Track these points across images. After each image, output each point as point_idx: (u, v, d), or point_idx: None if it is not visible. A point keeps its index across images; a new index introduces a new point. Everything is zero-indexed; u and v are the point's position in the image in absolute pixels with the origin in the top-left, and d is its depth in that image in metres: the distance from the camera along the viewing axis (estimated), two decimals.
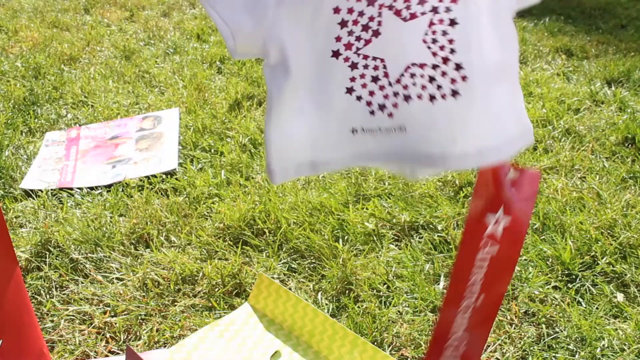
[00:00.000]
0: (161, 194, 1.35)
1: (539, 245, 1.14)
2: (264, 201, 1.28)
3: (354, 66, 0.48)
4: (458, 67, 0.47)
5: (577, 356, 0.92)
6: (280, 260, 1.13)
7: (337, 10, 0.46)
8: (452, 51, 0.46)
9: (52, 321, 1.00)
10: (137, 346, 0.95)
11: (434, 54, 0.47)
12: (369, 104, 0.50)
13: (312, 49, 0.48)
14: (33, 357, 0.77)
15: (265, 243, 1.17)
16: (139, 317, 1.00)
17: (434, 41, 0.46)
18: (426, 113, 0.49)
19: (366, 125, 0.51)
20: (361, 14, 0.46)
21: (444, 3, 0.45)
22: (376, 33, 0.47)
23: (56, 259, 1.13)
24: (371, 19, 0.46)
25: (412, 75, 0.48)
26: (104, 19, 2.67)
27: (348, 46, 0.48)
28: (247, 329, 0.90)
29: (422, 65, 0.47)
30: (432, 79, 0.48)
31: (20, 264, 1.10)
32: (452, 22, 0.46)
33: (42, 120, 1.72)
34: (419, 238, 1.18)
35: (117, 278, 1.09)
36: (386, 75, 0.48)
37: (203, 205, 1.30)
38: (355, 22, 0.47)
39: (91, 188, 1.39)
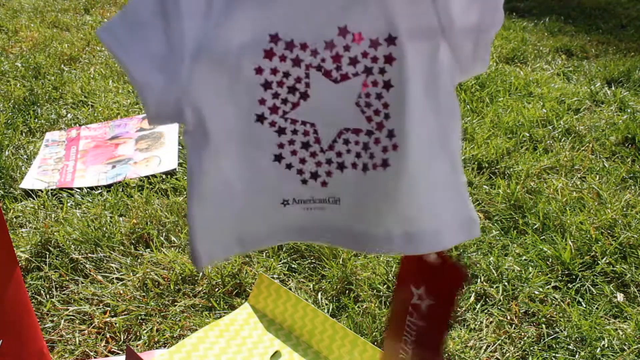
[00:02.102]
0: (161, 194, 1.35)
1: (539, 245, 1.14)
2: None
3: (281, 131, 0.44)
4: (391, 134, 0.43)
5: (577, 356, 0.92)
6: (280, 260, 1.13)
7: (259, 70, 0.42)
8: (387, 116, 0.42)
9: (52, 321, 1.00)
10: (137, 346, 0.95)
11: (369, 119, 0.43)
12: (300, 172, 0.45)
13: (234, 114, 0.43)
14: (33, 357, 0.77)
15: None
16: (139, 317, 1.00)
17: (368, 105, 0.42)
18: (359, 184, 0.44)
19: (298, 196, 0.46)
20: (286, 74, 0.42)
21: (377, 64, 0.41)
22: (304, 95, 0.43)
23: (56, 259, 1.13)
24: (298, 80, 0.42)
25: (346, 142, 0.44)
26: (104, 19, 2.67)
27: (274, 110, 0.43)
28: (247, 329, 0.90)
29: (356, 131, 0.43)
30: (366, 147, 0.43)
31: (20, 264, 1.10)
32: (387, 85, 0.42)
33: (42, 120, 1.72)
34: None
35: (117, 278, 1.09)
36: (317, 141, 0.44)
37: None
38: (280, 84, 0.42)
39: (91, 188, 1.39)
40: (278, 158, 0.45)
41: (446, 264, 0.48)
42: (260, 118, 0.43)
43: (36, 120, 1.72)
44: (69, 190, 1.37)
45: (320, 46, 0.41)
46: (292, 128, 0.44)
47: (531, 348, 0.94)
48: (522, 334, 0.96)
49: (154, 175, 1.41)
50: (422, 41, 0.41)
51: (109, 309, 1.02)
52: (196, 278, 1.08)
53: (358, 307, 1.01)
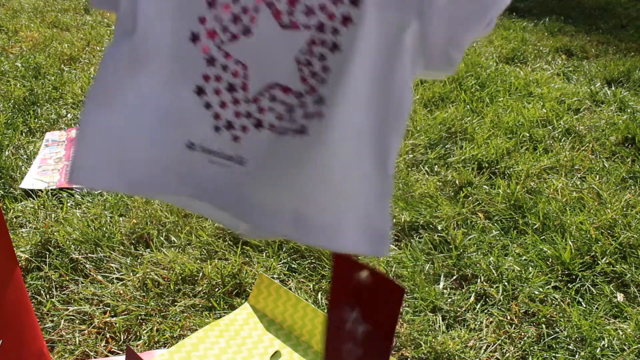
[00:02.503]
0: None
1: (539, 245, 1.14)
2: None
3: (211, 62, 0.39)
4: (319, 100, 0.38)
5: (577, 356, 0.92)
6: (280, 260, 1.13)
7: None
8: (323, 81, 0.38)
9: (52, 321, 1.00)
10: (137, 346, 0.95)
11: (303, 80, 0.39)
12: (216, 116, 0.40)
13: (171, 26, 0.39)
14: (33, 357, 0.77)
15: (265, 243, 1.17)
16: (139, 317, 1.00)
17: (308, 63, 0.38)
18: (270, 147, 0.40)
19: (206, 144, 0.41)
20: (235, 1, 0.38)
21: (333, 22, 0.37)
22: (246, 31, 0.38)
23: (56, 259, 1.13)
24: (245, 10, 0.38)
25: (272, 99, 0.40)
26: (104, 19, 2.67)
27: (211, 34, 0.39)
28: (247, 329, 0.90)
29: (286, 90, 0.39)
30: (290, 110, 0.39)
31: (20, 264, 1.10)
32: (335, 47, 0.37)
33: (42, 120, 1.72)
34: (419, 238, 1.18)
35: (117, 278, 1.09)
36: (244, 87, 0.40)
37: None
38: (225, 7, 0.38)
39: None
40: (200, 91, 0.40)
41: (379, 280, 0.41)
42: (195, 37, 0.39)
43: (36, 120, 1.72)
44: (69, 190, 1.37)
45: None
46: (224, 63, 0.39)
47: (531, 348, 0.94)
48: (522, 334, 0.96)
49: None
50: (391, 12, 0.36)
51: (109, 309, 1.02)
52: (196, 278, 1.08)
53: None
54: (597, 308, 1.00)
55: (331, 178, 0.38)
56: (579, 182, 1.36)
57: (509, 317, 0.99)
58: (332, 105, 0.37)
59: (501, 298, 1.03)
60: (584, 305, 1.01)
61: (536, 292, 1.04)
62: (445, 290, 1.05)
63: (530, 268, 1.09)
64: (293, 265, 1.12)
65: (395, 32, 0.36)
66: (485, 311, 1.01)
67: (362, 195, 0.38)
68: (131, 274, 1.10)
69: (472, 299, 1.03)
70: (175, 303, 1.03)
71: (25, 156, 1.54)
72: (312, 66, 0.38)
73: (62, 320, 1.00)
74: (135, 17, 0.38)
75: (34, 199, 1.34)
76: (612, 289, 1.04)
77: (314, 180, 0.38)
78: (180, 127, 0.41)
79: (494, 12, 0.37)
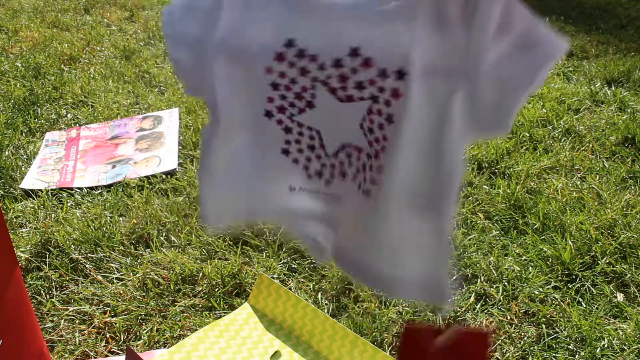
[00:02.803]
0: (161, 194, 1.35)
1: (539, 245, 1.14)
2: None
3: (288, 130, 0.45)
4: (379, 169, 0.41)
5: (577, 356, 0.92)
6: (280, 260, 1.13)
7: (269, 70, 0.42)
8: (383, 149, 0.41)
9: (52, 321, 1.00)
10: (137, 346, 0.95)
11: (370, 144, 0.42)
12: (306, 168, 0.46)
13: (245, 104, 0.44)
14: (33, 357, 0.77)
15: (265, 243, 1.17)
16: (139, 317, 1.00)
17: (371, 131, 0.41)
18: (353, 196, 0.44)
19: (304, 185, 0.47)
20: (293, 81, 0.42)
21: (384, 95, 0.39)
22: (310, 104, 0.43)
23: (56, 259, 1.13)
24: (304, 89, 0.42)
25: (349, 155, 0.44)
26: (104, 19, 2.67)
27: (281, 110, 0.44)
28: (247, 329, 0.90)
29: (358, 149, 0.43)
30: (364, 167, 0.43)
31: (20, 264, 1.10)
32: (389, 118, 0.40)
33: (42, 120, 1.72)
34: None
35: (117, 278, 1.09)
36: (322, 146, 0.44)
37: None
38: (287, 88, 0.43)
39: (91, 188, 1.39)
40: (285, 152, 0.46)
41: (466, 335, 0.42)
42: (268, 114, 0.44)
43: (36, 120, 1.72)
44: (69, 190, 1.37)
45: (327, 62, 0.40)
46: (299, 130, 0.44)
47: (531, 348, 0.94)
48: (522, 334, 0.96)
49: (154, 175, 1.41)
50: (437, 80, 0.37)
51: (109, 309, 1.02)
52: (196, 278, 1.08)
53: (358, 307, 1.01)
54: (597, 308, 1.00)
55: (392, 237, 0.42)
56: (579, 182, 1.36)
57: (509, 317, 0.99)
58: (386, 175, 0.40)
59: (501, 298, 1.03)
60: (584, 305, 1.01)
61: (536, 292, 1.04)
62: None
63: (530, 268, 1.09)
64: (293, 265, 1.12)
65: (443, 100, 0.37)
66: (485, 311, 1.01)
67: (424, 253, 0.42)
68: (131, 274, 1.10)
69: (472, 299, 1.03)
70: (175, 303, 1.03)
71: (25, 156, 1.54)
72: (374, 133, 0.41)
73: (62, 320, 1.00)
74: (216, 101, 0.43)
75: (34, 199, 1.34)
76: (612, 289, 1.04)
77: (381, 238, 0.43)
78: (277, 177, 0.47)
79: (546, 70, 0.36)
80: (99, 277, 1.09)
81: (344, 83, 0.40)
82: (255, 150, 0.46)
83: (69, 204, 1.31)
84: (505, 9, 0.35)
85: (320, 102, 0.42)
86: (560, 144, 1.53)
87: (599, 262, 1.10)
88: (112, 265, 1.12)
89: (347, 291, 1.05)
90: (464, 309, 1.01)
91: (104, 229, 1.21)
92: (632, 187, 1.33)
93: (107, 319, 1.00)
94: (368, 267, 0.45)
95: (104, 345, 0.95)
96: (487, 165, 1.43)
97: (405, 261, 0.43)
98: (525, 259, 1.12)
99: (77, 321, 1.00)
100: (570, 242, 1.14)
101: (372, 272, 0.45)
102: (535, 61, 0.36)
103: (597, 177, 1.37)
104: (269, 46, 0.42)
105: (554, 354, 0.92)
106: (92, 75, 2.02)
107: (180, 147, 1.55)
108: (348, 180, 0.45)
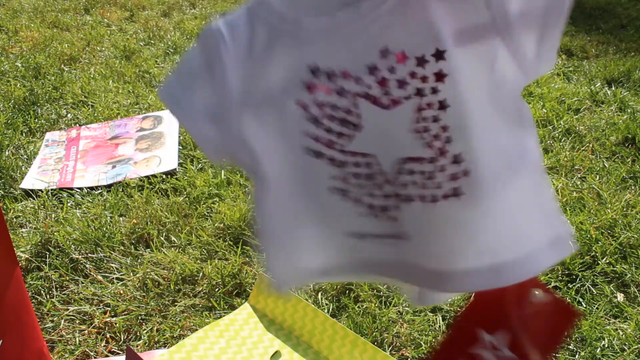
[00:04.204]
0: (161, 194, 1.35)
1: None
2: None
3: (342, 165, 0.41)
4: (457, 159, 0.38)
5: (577, 356, 0.92)
6: None
7: (303, 105, 0.40)
8: (449, 140, 0.38)
9: (52, 321, 1.00)
10: (137, 346, 0.95)
11: (429, 145, 0.39)
12: (370, 206, 0.42)
13: (286, 151, 0.42)
14: (33, 357, 0.77)
15: None
16: (139, 317, 1.00)
17: (426, 130, 0.38)
18: (428, 217, 0.41)
19: (369, 230, 0.43)
20: (334, 107, 0.39)
21: (428, 83, 0.37)
22: (357, 127, 0.39)
23: (56, 259, 1.13)
24: (347, 111, 0.39)
25: (411, 172, 0.40)
26: (104, 19, 2.67)
27: (329, 145, 0.41)
28: (247, 329, 0.90)
29: (418, 160, 0.39)
30: (431, 176, 0.39)
31: (20, 264, 1.10)
32: (442, 105, 0.37)
33: (42, 120, 1.72)
34: None
35: (117, 278, 1.09)
36: (381, 172, 0.41)
37: (203, 205, 1.29)
38: (330, 118, 0.40)
39: (91, 188, 1.39)
40: (343, 192, 0.42)
41: (554, 299, 0.39)
42: (318, 155, 0.41)
43: (36, 120, 1.72)
44: (69, 190, 1.37)
45: (362, 72, 0.38)
46: (354, 161, 0.41)
47: None
48: None
49: (154, 175, 1.41)
50: (475, 45, 0.36)
51: (109, 309, 1.02)
52: (196, 278, 1.08)
53: (358, 307, 1.01)
54: (597, 308, 1.00)
55: (504, 219, 0.40)
56: (579, 182, 1.36)
57: None
58: (470, 158, 0.38)
59: None
60: (584, 305, 1.01)
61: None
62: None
63: None
64: None
65: (487, 61, 0.37)
66: None
67: (534, 213, 0.40)
68: (131, 274, 1.10)
69: (472, 298, 1.03)
70: (176, 303, 1.03)
71: (25, 156, 1.54)
72: (430, 131, 0.38)
73: (62, 320, 1.00)
74: (257, 161, 0.42)
75: (34, 199, 1.34)
76: (612, 289, 1.04)
77: (490, 231, 0.40)
78: (337, 225, 0.44)
79: None
80: (99, 277, 1.09)
81: (386, 86, 0.38)
82: (309, 200, 0.43)
83: (69, 204, 1.31)
84: None
85: (367, 120, 0.39)
86: (560, 144, 1.53)
87: (599, 262, 1.10)
88: (112, 265, 1.12)
89: (347, 291, 1.05)
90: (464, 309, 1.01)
91: (104, 229, 1.21)
92: (632, 187, 1.33)
93: (107, 319, 1.00)
94: (488, 268, 0.41)
95: (104, 345, 0.95)
96: None
97: (525, 233, 0.40)
98: None
99: (77, 321, 1.00)
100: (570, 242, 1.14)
101: (494, 269, 0.40)
102: None
103: (597, 177, 1.37)
104: (293, 80, 0.39)
105: (553, 354, 0.92)
106: (92, 75, 2.02)
107: (180, 147, 1.55)
108: (415, 204, 0.41)
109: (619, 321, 0.98)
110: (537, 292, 0.41)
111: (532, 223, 0.41)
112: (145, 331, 0.97)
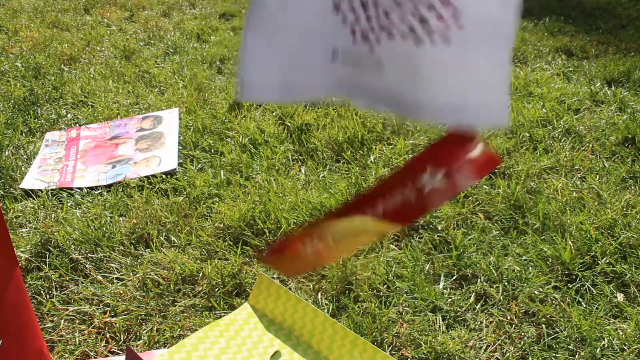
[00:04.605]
0: (161, 194, 1.35)
1: (539, 245, 1.14)
2: (264, 201, 1.28)
3: None
4: (456, 12, 0.42)
5: (577, 356, 0.92)
6: None
7: None
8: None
9: (52, 321, 1.00)
10: (137, 346, 0.95)
11: None
12: (353, 30, 0.46)
13: None
14: (33, 357, 0.77)
15: (265, 243, 1.17)
16: (139, 317, 1.00)
17: None
18: (408, 55, 0.45)
19: (347, 50, 0.47)
20: None
21: None
22: None
23: (56, 259, 1.13)
24: None
25: (403, 12, 0.44)
26: (104, 19, 2.67)
27: None
28: (247, 329, 0.90)
29: (416, 3, 0.43)
30: (423, 21, 0.43)
31: (20, 264, 1.10)
32: None
33: (42, 120, 1.72)
34: (419, 238, 1.18)
35: (117, 278, 1.09)
36: (375, 4, 0.44)
37: (203, 205, 1.30)
38: None
39: (91, 188, 1.39)
40: (336, 8, 0.45)
41: (486, 152, 0.48)
42: None
43: (36, 120, 1.72)
44: (69, 190, 1.37)
45: None
46: None
47: (531, 348, 0.94)
48: (522, 334, 0.96)
49: (154, 175, 1.41)
50: None
51: (109, 309, 1.02)
52: (196, 278, 1.08)
53: (358, 307, 1.01)
54: (597, 308, 1.00)
55: (479, 71, 0.43)
56: (579, 182, 1.36)
57: (509, 317, 0.99)
58: (468, 14, 0.41)
59: (501, 298, 1.03)
60: (584, 305, 1.01)
61: (536, 292, 1.04)
62: (445, 290, 1.05)
63: (530, 268, 1.09)
64: None
65: None
66: (485, 311, 1.01)
67: (499, 78, 0.44)
68: (131, 274, 1.10)
69: (472, 299, 1.03)
70: (175, 303, 1.03)
71: (25, 156, 1.54)
72: None
73: (62, 320, 1.00)
74: None
75: (34, 199, 1.34)
76: (612, 289, 1.04)
77: (466, 78, 0.43)
78: (323, 39, 0.46)
79: None
80: (99, 277, 1.09)
81: None
82: (308, 5, 0.46)
83: (69, 204, 1.31)
84: None
85: None
86: (560, 144, 1.53)
87: (599, 262, 1.10)
88: (112, 265, 1.12)
89: (347, 291, 1.05)
90: (464, 309, 1.01)
91: (104, 229, 1.21)
92: (632, 187, 1.33)
93: (107, 319, 1.00)
94: (452, 106, 0.45)
95: (104, 345, 0.95)
96: None
97: (491, 92, 0.44)
98: (525, 259, 1.12)
99: (77, 321, 1.00)
100: (570, 242, 1.14)
101: (457, 108, 0.45)
102: None
103: (597, 177, 1.37)
104: None
105: (554, 354, 0.92)
106: (92, 75, 2.02)
107: (180, 147, 1.55)
108: (395, 41, 0.44)
109: (619, 321, 0.98)
110: (479, 147, 0.48)
111: (494, 87, 0.44)
112: (145, 331, 0.97)
